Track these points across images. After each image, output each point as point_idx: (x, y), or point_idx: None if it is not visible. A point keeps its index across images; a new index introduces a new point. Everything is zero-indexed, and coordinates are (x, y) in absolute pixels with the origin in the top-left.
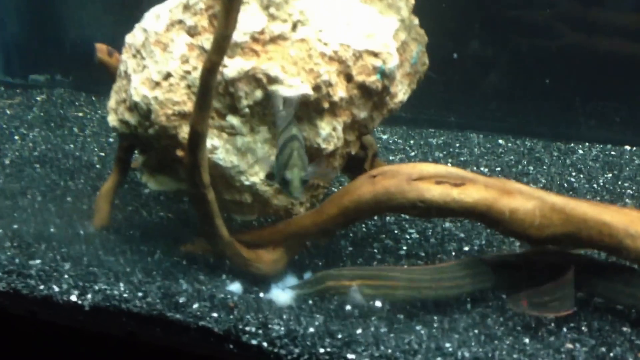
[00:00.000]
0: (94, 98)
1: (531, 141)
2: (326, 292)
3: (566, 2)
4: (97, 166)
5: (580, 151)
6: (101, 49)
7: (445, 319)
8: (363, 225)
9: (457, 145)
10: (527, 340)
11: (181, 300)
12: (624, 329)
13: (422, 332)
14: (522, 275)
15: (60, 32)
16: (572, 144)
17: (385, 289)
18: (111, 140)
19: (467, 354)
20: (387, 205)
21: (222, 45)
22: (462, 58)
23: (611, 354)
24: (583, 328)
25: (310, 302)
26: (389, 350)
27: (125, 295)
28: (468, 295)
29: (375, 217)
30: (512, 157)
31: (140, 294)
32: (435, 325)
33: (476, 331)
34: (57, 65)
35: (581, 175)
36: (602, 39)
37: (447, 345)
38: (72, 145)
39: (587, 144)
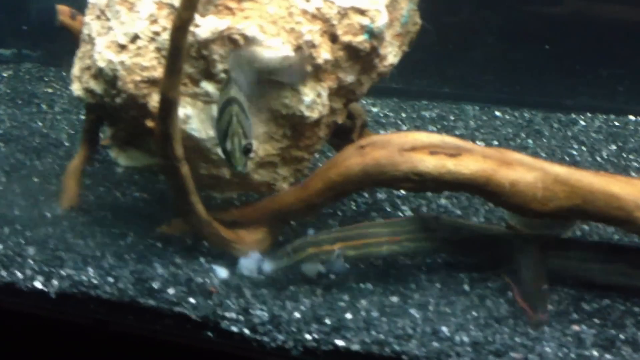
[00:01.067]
0: (64, 73)
1: (530, 112)
2: (308, 260)
3: None
4: (66, 144)
5: (582, 122)
6: (63, 11)
7: (442, 301)
8: (352, 203)
9: (452, 118)
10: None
11: (155, 285)
12: (634, 308)
13: (417, 315)
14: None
15: (26, 2)
16: (573, 115)
17: (369, 247)
18: (82, 117)
19: (465, 339)
20: (378, 179)
21: (193, 1)
22: (456, 24)
23: (621, 336)
24: (586, 307)
25: (294, 287)
26: (381, 336)
27: (94, 281)
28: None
29: (365, 194)
30: (509, 129)
31: (110, 280)
32: (430, 308)
33: (475, 314)
34: (24, 39)
35: (583, 148)
36: (604, 4)
37: (444, 329)
38: (40, 123)
39: (589, 114)
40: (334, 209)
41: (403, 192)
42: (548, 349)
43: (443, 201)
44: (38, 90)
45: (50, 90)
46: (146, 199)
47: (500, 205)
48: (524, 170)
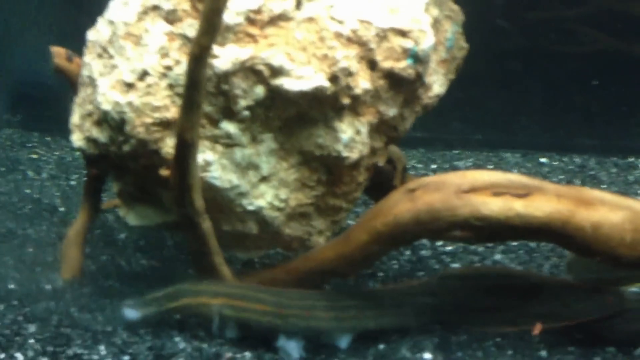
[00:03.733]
0: (48, 138)
1: (580, 157)
2: (182, 311)
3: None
4: (61, 209)
5: None
6: (58, 53)
7: None
8: (394, 262)
9: (491, 167)
10: None
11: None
12: None
13: None
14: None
15: (4, 63)
16: (631, 159)
17: (250, 312)
18: (73, 182)
19: None
20: (432, 227)
21: (214, 23)
22: (492, 65)
23: None
24: None
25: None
26: None
27: (108, 359)
28: (363, 331)
29: (409, 252)
30: (561, 177)
31: (126, 358)
32: None
33: None
34: (3, 103)
35: None
36: None
37: None
38: (28, 190)
39: None
40: (373, 269)
41: (450, 247)
42: None
43: (498, 256)
44: (22, 156)
45: (34, 156)
46: (155, 267)
47: (581, 253)
48: (607, 210)
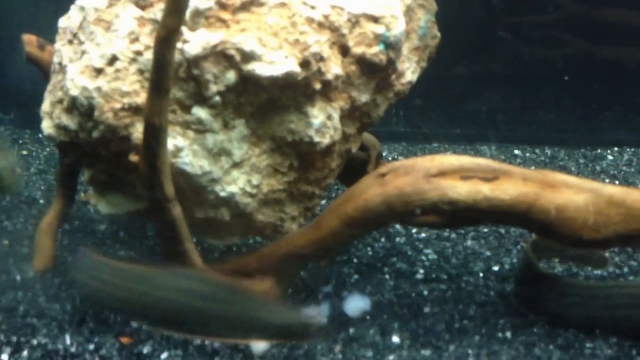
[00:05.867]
0: (40, 135)
1: (552, 149)
2: None
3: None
4: (41, 201)
5: (610, 157)
6: (30, 41)
7: (482, 351)
8: (369, 248)
9: None
10: None
11: (145, 350)
12: None
13: None
14: None
15: None
16: (599, 150)
17: None
18: None
19: None
20: (402, 211)
21: (179, 3)
22: (470, 62)
23: None
24: None
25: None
26: None
27: (72, 349)
28: None
29: (384, 239)
30: (533, 167)
31: (91, 347)
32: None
33: None
34: None
35: (617, 182)
36: (622, 41)
37: None
38: None
39: (615, 148)
40: (348, 256)
41: (424, 234)
42: None
43: (470, 242)
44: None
45: (25, 152)
46: (132, 257)
47: (546, 236)
48: (571, 193)
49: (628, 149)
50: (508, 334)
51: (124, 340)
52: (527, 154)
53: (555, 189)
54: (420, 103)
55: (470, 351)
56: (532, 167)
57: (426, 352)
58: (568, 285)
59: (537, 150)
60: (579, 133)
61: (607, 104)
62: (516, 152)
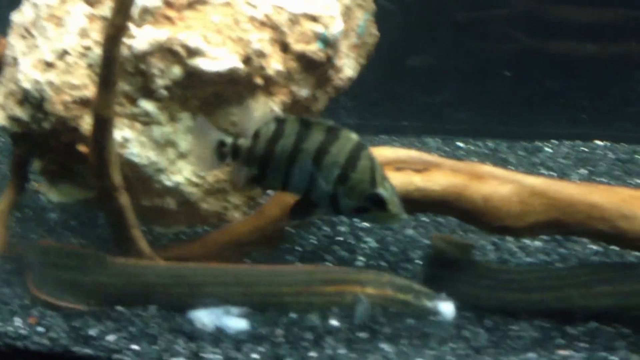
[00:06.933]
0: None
1: (494, 142)
2: None
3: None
4: None
5: (548, 149)
6: None
7: (415, 332)
8: (312, 237)
9: None
10: (513, 351)
11: (92, 332)
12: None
13: (389, 349)
14: None
15: None
16: (538, 143)
17: None
18: None
19: None
20: None
21: (125, 2)
22: (419, 56)
23: (612, 358)
24: (571, 332)
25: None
26: None
27: (22, 331)
28: None
29: (327, 228)
30: (474, 159)
31: (41, 329)
32: (403, 341)
33: (452, 344)
34: None
35: (553, 173)
36: (563, 38)
37: None
38: None
39: (554, 141)
40: (292, 244)
41: (366, 223)
42: None
43: (410, 231)
44: None
45: None
46: (84, 245)
47: (474, 224)
48: (497, 184)
49: (566, 142)
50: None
51: (31, 320)
52: (470, 146)
53: (482, 180)
54: (369, 96)
55: (404, 333)
56: (474, 159)
57: (363, 335)
58: (480, 268)
59: (479, 143)
60: (521, 126)
61: (549, 98)
62: (460, 144)
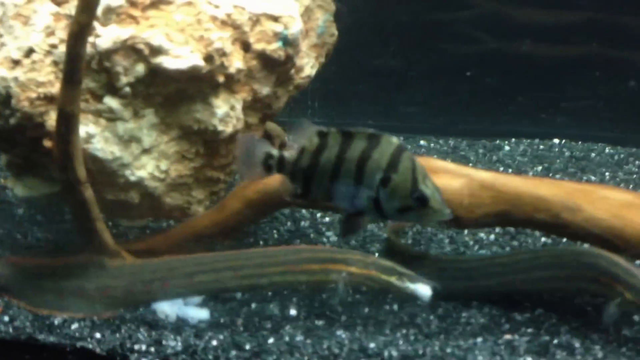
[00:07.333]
0: None
1: (455, 140)
2: None
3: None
4: None
5: (507, 147)
6: None
7: (370, 321)
8: (275, 231)
9: None
10: (461, 335)
11: (56, 321)
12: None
13: (344, 335)
14: None
15: None
16: (498, 141)
17: None
18: None
19: (394, 353)
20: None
21: (91, 2)
22: (384, 57)
23: (555, 342)
24: (518, 318)
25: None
26: (306, 357)
27: None
28: None
29: (289, 222)
30: (435, 156)
31: (6, 318)
32: (358, 328)
33: (404, 331)
34: None
35: (510, 170)
36: (525, 39)
37: (372, 345)
38: None
39: (513, 140)
40: (255, 238)
41: (328, 218)
42: (480, 358)
43: (370, 226)
44: None
45: None
46: (49, 239)
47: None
48: (449, 178)
49: (525, 140)
50: (395, 306)
51: None
52: (432, 144)
53: (436, 174)
54: (335, 95)
55: (359, 321)
56: (435, 156)
57: (320, 322)
58: (431, 260)
59: (440, 141)
60: (482, 125)
61: (509, 98)
62: (422, 142)
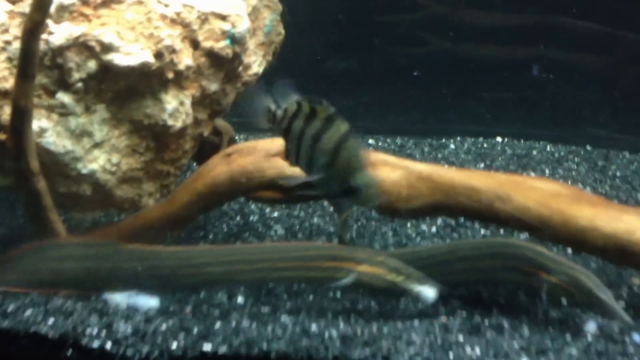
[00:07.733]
0: None
1: (402, 139)
2: None
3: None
4: None
5: (452, 145)
6: None
7: (314, 307)
8: (224, 225)
9: None
10: (399, 318)
11: (10, 307)
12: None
13: (287, 320)
14: None
15: None
16: (444, 140)
17: None
18: None
19: (334, 333)
20: (245, 186)
21: (44, 0)
22: (336, 59)
23: (486, 323)
24: (453, 303)
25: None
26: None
27: None
28: None
29: (239, 217)
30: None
31: None
32: (302, 314)
33: (346, 315)
34: None
35: (453, 167)
36: (468, 42)
37: (314, 328)
38: None
39: (459, 138)
40: (205, 232)
41: (276, 213)
42: (414, 335)
43: (316, 219)
44: None
45: None
46: (2, 234)
47: (367, 206)
48: (388, 170)
49: (469, 139)
50: (338, 294)
51: None
52: (380, 143)
53: (376, 166)
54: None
55: (303, 307)
56: None
57: (265, 309)
58: None
59: (388, 140)
60: (429, 124)
61: (457, 98)
62: (370, 141)
